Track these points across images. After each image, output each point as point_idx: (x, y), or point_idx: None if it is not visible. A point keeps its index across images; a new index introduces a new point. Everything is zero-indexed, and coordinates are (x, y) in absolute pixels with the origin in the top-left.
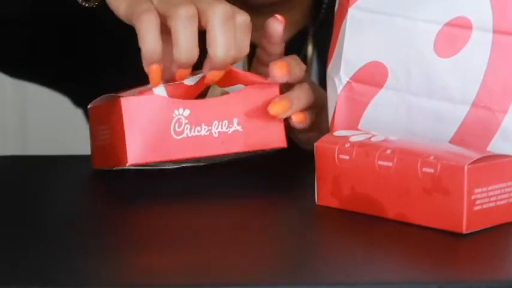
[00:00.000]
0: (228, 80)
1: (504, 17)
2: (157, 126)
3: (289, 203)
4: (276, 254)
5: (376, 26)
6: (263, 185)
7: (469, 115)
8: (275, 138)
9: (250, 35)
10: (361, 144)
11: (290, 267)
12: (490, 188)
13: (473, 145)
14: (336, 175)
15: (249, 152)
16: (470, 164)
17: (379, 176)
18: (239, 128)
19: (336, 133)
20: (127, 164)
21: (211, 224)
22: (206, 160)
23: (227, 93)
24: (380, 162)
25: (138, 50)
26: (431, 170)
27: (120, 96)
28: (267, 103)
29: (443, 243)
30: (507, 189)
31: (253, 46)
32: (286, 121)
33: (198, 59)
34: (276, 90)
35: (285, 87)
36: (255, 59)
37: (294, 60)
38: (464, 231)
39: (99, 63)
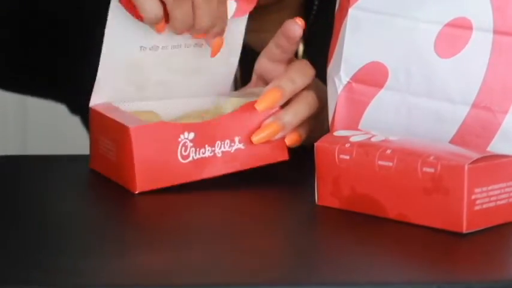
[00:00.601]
0: None
1: (504, 17)
2: (165, 152)
3: (289, 203)
4: (276, 253)
5: (377, 26)
6: (263, 185)
7: (469, 115)
8: (277, 153)
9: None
10: (361, 144)
11: (290, 267)
12: (490, 188)
13: (474, 145)
14: (336, 175)
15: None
16: (470, 163)
17: (379, 176)
18: (241, 145)
19: (336, 133)
20: (135, 192)
21: (211, 224)
22: None
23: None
24: (380, 162)
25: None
26: (432, 170)
27: (128, 125)
28: (267, 118)
29: (443, 243)
30: (507, 189)
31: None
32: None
33: None
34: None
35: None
36: (264, 55)
37: (296, 72)
38: (464, 231)
39: (89, 71)
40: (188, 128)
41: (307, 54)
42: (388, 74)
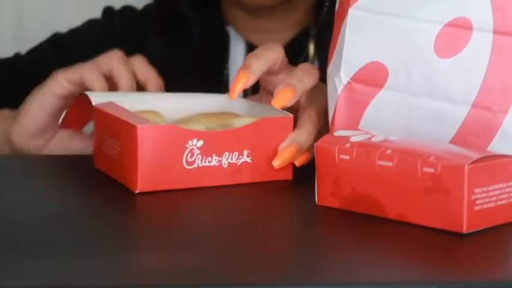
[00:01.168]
0: None
1: (504, 17)
2: (170, 156)
3: (289, 203)
4: (276, 254)
5: (377, 26)
6: (263, 185)
7: (470, 115)
8: (282, 171)
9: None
10: (361, 144)
11: (290, 267)
12: (490, 188)
13: (474, 145)
14: (336, 175)
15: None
16: (470, 164)
17: (379, 176)
18: (248, 159)
19: (336, 133)
20: (136, 191)
21: (211, 224)
22: None
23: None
24: (380, 162)
25: None
26: (432, 170)
27: (136, 124)
28: (279, 136)
29: (443, 243)
30: (507, 189)
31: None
32: None
33: None
34: (290, 123)
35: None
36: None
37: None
38: (465, 231)
39: None
40: (198, 135)
41: (317, 55)
42: (388, 74)
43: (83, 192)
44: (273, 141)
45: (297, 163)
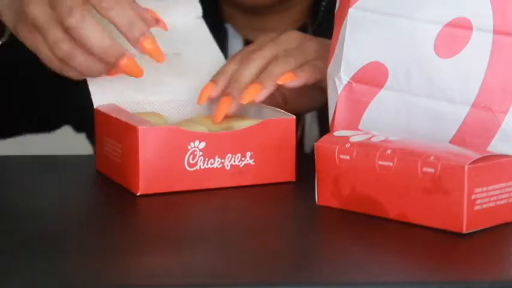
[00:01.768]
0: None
1: (504, 17)
2: (172, 157)
3: (289, 203)
4: (276, 254)
5: (377, 26)
6: (263, 185)
7: (470, 116)
8: (286, 173)
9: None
10: (361, 144)
11: (290, 267)
12: (490, 187)
13: (474, 145)
14: (336, 175)
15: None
16: (470, 163)
17: (379, 176)
18: (251, 161)
19: (336, 133)
20: (137, 193)
21: (211, 223)
22: None
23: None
24: (380, 162)
25: None
26: (432, 170)
27: (137, 126)
28: (282, 137)
29: (443, 243)
30: (507, 189)
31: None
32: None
33: None
34: (293, 125)
35: None
36: None
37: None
38: (465, 231)
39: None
40: (200, 136)
41: None
42: (388, 74)
43: (82, 192)
44: (276, 143)
45: (281, 80)
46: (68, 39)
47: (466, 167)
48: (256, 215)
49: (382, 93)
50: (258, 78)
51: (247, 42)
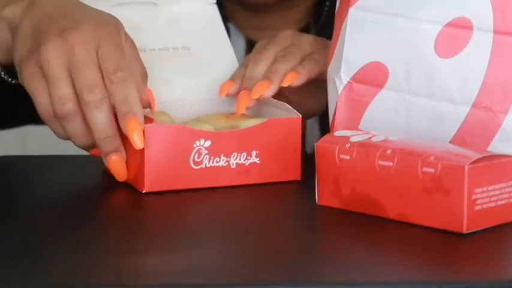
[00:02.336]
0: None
1: (505, 17)
2: (177, 156)
3: (290, 202)
4: (276, 253)
5: (377, 26)
6: (263, 185)
7: (470, 116)
8: (291, 172)
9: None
10: (361, 144)
11: (290, 267)
12: (491, 188)
13: (474, 145)
14: (337, 175)
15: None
16: (470, 164)
17: (379, 176)
18: (257, 160)
19: (336, 133)
20: (143, 191)
21: (211, 223)
22: None
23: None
24: (380, 162)
25: None
26: (432, 170)
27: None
28: (288, 136)
29: (444, 243)
30: (507, 189)
31: (254, 44)
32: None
33: None
34: (298, 123)
35: None
36: None
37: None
38: (465, 231)
39: None
40: (206, 135)
41: None
42: (389, 74)
43: (82, 192)
44: (281, 141)
45: (285, 82)
46: (74, 100)
47: (466, 167)
48: (256, 214)
49: (382, 93)
50: (265, 75)
51: (249, 42)
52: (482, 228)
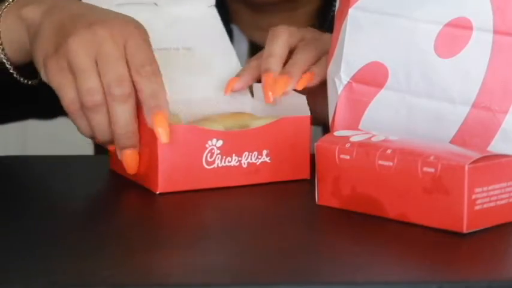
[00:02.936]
0: None
1: (504, 17)
2: (190, 156)
3: (290, 202)
4: (276, 253)
5: (377, 27)
6: (263, 184)
7: (470, 116)
8: (300, 171)
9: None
10: (361, 144)
11: (290, 267)
12: (491, 187)
13: (474, 145)
14: (337, 175)
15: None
16: (470, 163)
17: (379, 175)
18: (267, 159)
19: (336, 133)
20: (157, 192)
21: (211, 223)
22: None
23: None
24: (380, 162)
25: None
26: (432, 170)
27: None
28: (297, 135)
29: (443, 243)
30: (507, 189)
31: (257, 46)
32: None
33: None
34: (308, 123)
35: None
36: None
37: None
38: (465, 231)
39: None
40: (218, 135)
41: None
42: (388, 74)
43: (82, 192)
44: (291, 140)
45: (299, 85)
46: (102, 92)
47: (466, 167)
48: (256, 214)
49: (382, 93)
50: (284, 69)
51: (252, 44)
52: (482, 228)
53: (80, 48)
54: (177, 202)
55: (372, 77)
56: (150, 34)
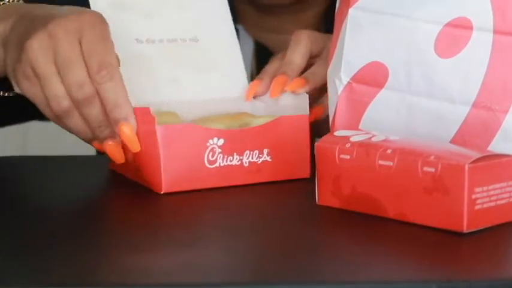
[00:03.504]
0: None
1: (504, 17)
2: (192, 155)
3: (290, 202)
4: (276, 253)
5: (377, 27)
6: (263, 184)
7: (470, 115)
8: (300, 169)
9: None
10: (361, 144)
11: (290, 267)
12: (491, 187)
13: (474, 145)
14: (337, 175)
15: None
16: (470, 163)
17: (379, 175)
18: (268, 158)
19: (336, 133)
20: (161, 192)
21: (211, 223)
22: None
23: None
24: (381, 162)
25: None
26: (432, 170)
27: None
28: (297, 134)
29: (444, 242)
30: (507, 189)
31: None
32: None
33: None
34: (306, 121)
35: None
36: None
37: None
38: (465, 231)
39: None
40: (219, 133)
41: None
42: (389, 74)
43: (82, 192)
44: (291, 139)
45: (290, 87)
46: (68, 97)
47: (467, 167)
48: (255, 214)
49: (383, 93)
50: (303, 75)
51: (257, 45)
52: (482, 227)
53: (38, 53)
54: (178, 201)
55: (372, 77)
56: (160, 22)
